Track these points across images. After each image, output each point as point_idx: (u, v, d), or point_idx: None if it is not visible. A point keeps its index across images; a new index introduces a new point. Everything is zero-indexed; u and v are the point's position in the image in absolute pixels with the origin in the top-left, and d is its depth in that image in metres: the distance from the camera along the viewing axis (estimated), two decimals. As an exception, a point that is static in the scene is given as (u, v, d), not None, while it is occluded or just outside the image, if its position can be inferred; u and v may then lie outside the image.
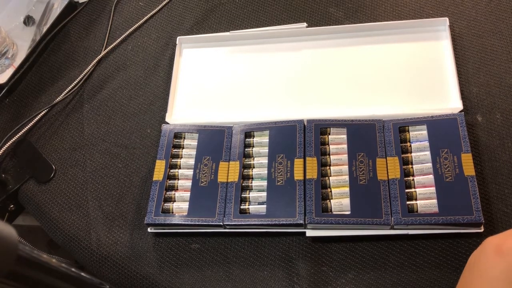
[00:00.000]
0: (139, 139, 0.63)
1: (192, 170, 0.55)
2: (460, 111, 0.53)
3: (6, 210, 0.64)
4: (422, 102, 0.56)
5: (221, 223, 0.51)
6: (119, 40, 0.71)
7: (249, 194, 0.53)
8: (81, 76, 0.69)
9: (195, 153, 0.56)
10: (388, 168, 0.50)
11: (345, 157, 0.52)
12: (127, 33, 0.71)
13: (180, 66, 0.65)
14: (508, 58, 0.57)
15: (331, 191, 0.50)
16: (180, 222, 0.52)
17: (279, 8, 0.68)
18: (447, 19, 0.59)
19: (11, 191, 0.63)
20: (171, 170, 0.55)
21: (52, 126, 0.67)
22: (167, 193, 0.54)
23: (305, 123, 0.55)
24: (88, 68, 0.69)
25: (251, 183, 0.53)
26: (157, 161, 0.56)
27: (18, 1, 0.79)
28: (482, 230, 0.47)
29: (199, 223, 0.51)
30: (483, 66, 0.57)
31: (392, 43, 0.60)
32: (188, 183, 0.54)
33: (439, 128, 0.51)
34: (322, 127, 0.54)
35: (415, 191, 0.49)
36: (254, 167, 0.54)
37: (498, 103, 0.54)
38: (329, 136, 0.54)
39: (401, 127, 0.52)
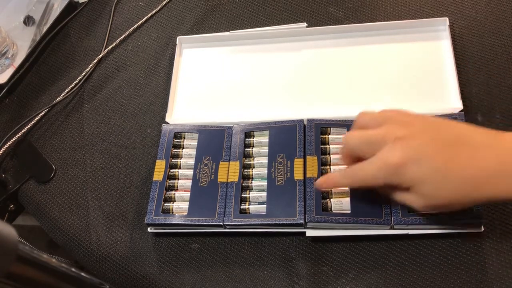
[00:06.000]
0: (139, 139, 0.63)
1: (192, 170, 0.55)
2: (460, 111, 0.53)
3: (6, 210, 0.64)
4: (422, 102, 0.56)
5: (221, 223, 0.51)
6: (119, 40, 0.71)
7: (249, 194, 0.53)
8: (81, 76, 0.69)
9: (195, 153, 0.56)
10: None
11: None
12: (127, 33, 0.71)
13: (180, 66, 0.65)
14: (508, 58, 0.57)
15: (331, 190, 0.50)
16: (180, 222, 0.52)
17: (279, 8, 0.68)
18: (447, 19, 0.59)
19: (11, 191, 0.63)
20: (171, 170, 0.55)
21: (52, 126, 0.67)
22: (167, 193, 0.54)
23: (305, 123, 0.55)
24: (88, 68, 0.69)
25: (251, 183, 0.53)
26: (157, 161, 0.56)
27: (18, 1, 0.79)
28: (482, 230, 0.47)
29: (199, 223, 0.51)
30: (483, 66, 0.57)
31: (392, 43, 0.60)
32: (188, 183, 0.54)
33: (439, 128, 0.51)
34: (322, 127, 0.54)
35: (415, 191, 0.49)
36: (254, 167, 0.54)
37: (498, 103, 0.54)
38: (329, 136, 0.54)
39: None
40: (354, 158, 0.45)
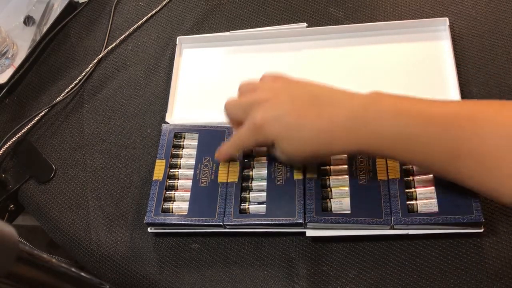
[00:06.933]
0: (139, 139, 0.63)
1: (192, 170, 0.55)
2: (460, 111, 0.53)
3: (6, 210, 0.64)
4: (422, 102, 0.55)
5: (221, 223, 0.51)
6: (119, 40, 0.71)
7: (249, 194, 0.53)
8: (81, 76, 0.69)
9: (195, 153, 0.56)
10: (388, 168, 0.50)
11: (345, 156, 0.52)
12: (127, 33, 0.71)
13: (180, 66, 0.65)
14: (508, 58, 0.57)
15: (331, 191, 0.50)
16: (180, 222, 0.52)
17: (279, 8, 0.68)
18: (447, 19, 0.59)
19: (11, 191, 0.63)
20: (171, 170, 0.55)
21: (52, 126, 0.67)
22: (167, 192, 0.54)
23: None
24: (88, 68, 0.69)
25: (251, 183, 0.53)
26: (157, 160, 0.56)
27: (18, 1, 0.79)
28: (482, 230, 0.47)
29: (199, 223, 0.51)
30: (483, 66, 0.57)
31: (392, 43, 0.60)
32: (188, 183, 0.54)
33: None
34: (322, 127, 0.54)
35: (415, 190, 0.49)
36: (254, 167, 0.54)
37: (498, 103, 0.54)
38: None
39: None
40: (238, 123, 0.48)
